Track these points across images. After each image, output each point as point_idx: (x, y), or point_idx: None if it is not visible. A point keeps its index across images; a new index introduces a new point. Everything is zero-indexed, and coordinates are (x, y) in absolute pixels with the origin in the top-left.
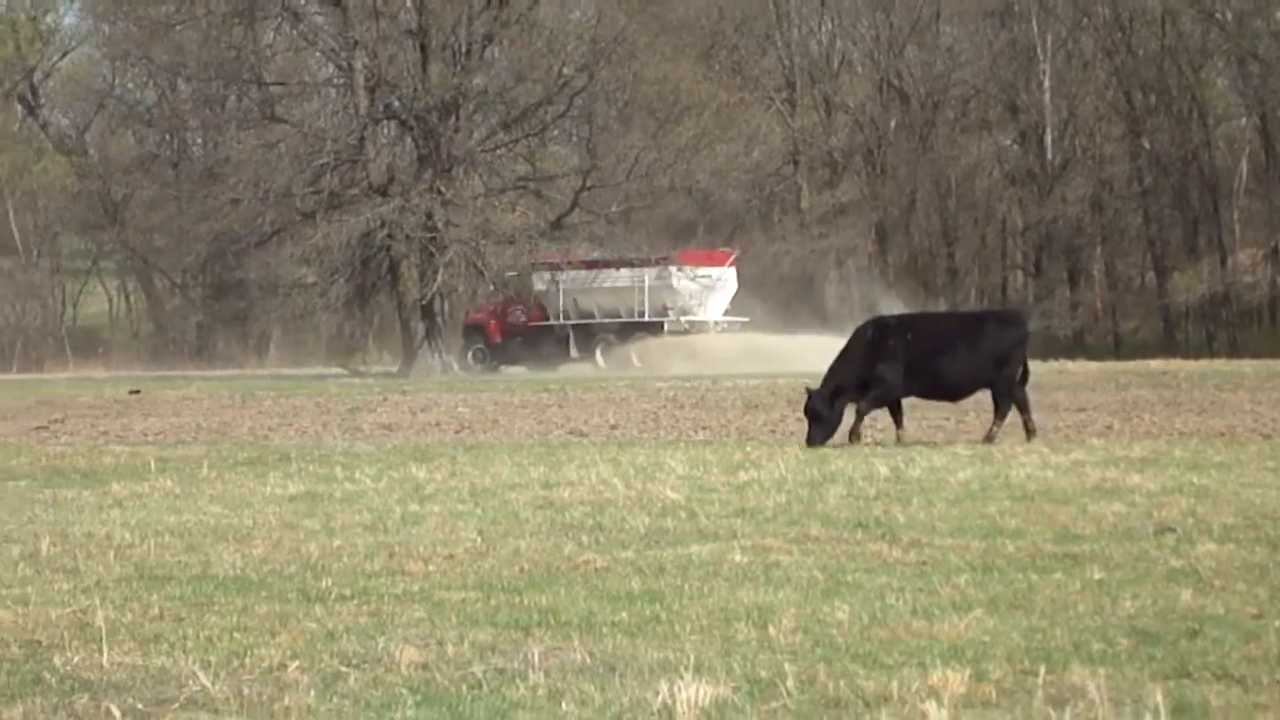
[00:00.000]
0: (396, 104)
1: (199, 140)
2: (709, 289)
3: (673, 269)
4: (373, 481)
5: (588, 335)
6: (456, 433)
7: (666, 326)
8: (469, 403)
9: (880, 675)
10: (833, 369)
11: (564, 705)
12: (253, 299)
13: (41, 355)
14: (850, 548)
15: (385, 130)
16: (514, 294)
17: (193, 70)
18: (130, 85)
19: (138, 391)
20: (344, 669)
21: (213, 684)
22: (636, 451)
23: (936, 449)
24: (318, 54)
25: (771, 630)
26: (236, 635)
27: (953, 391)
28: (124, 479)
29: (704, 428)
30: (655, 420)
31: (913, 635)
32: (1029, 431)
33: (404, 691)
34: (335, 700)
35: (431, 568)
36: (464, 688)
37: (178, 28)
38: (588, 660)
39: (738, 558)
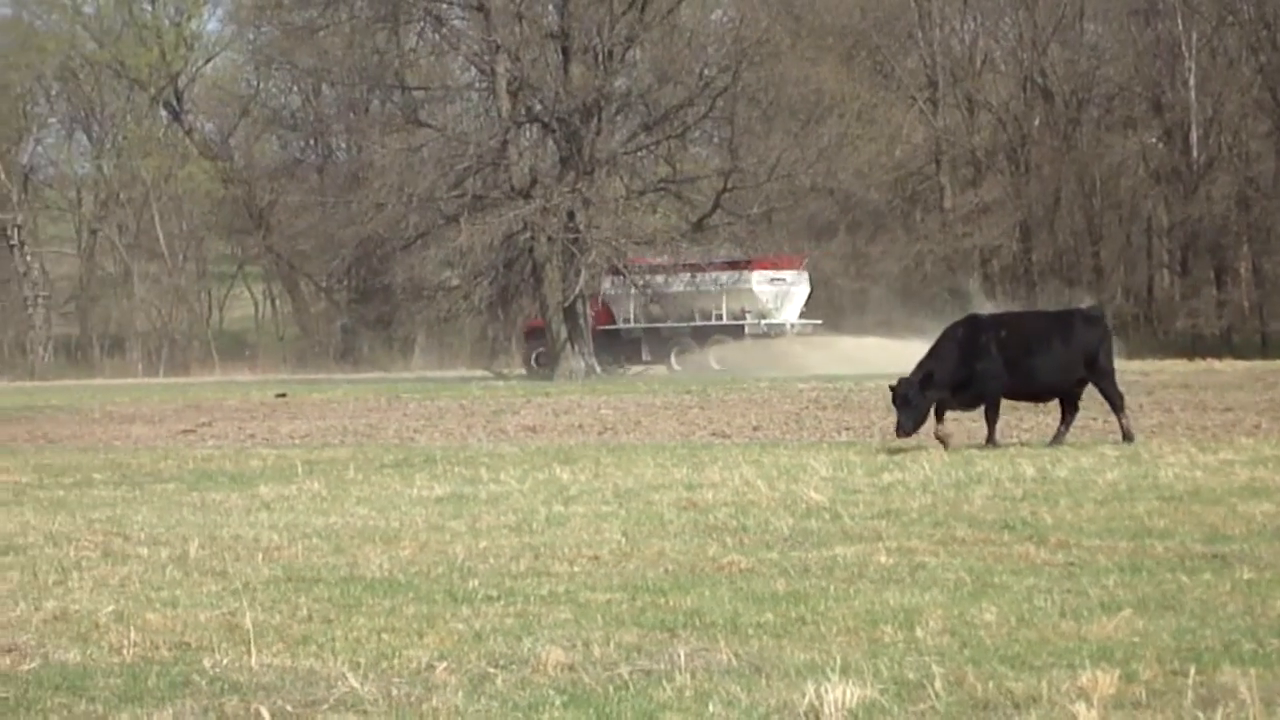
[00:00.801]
0: (538, 107)
1: (343, 145)
2: (785, 293)
3: (752, 273)
4: (517, 483)
5: (660, 339)
6: (600, 434)
7: (747, 330)
8: (612, 405)
9: (1029, 677)
10: (922, 363)
11: (711, 706)
12: (397, 302)
13: (188, 359)
14: (997, 549)
15: (527, 133)
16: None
17: (337, 75)
18: (274, 90)
19: (284, 395)
20: (491, 670)
21: (361, 685)
22: (779, 453)
23: (1084, 450)
24: (460, 58)
25: (918, 632)
26: (384, 636)
27: (1044, 391)
28: (271, 481)
29: (847, 428)
30: (798, 421)
31: (1061, 636)
32: (1058, 437)
33: (551, 692)
34: (483, 701)
35: (577, 569)
36: (611, 689)
37: (321, 33)
38: (734, 661)
39: (883, 559)
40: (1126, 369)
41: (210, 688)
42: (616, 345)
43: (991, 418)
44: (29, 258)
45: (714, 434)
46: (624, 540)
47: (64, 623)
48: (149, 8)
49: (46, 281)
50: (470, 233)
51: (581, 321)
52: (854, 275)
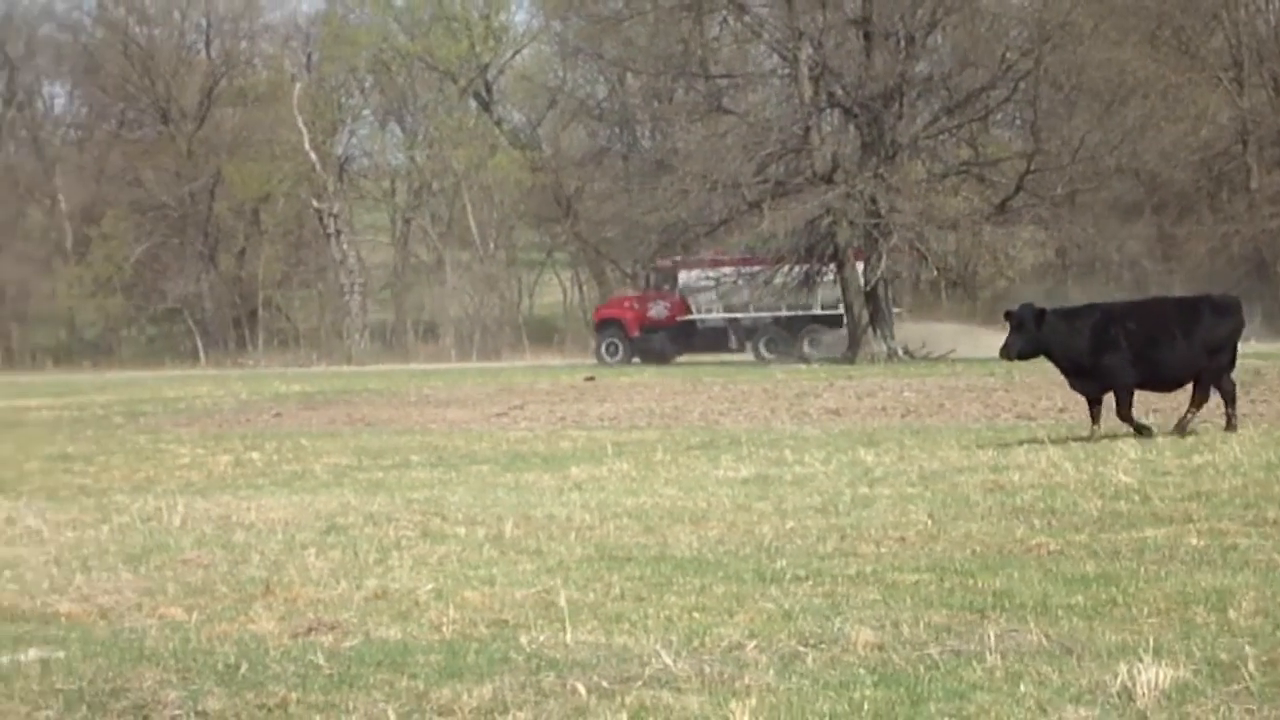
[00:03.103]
0: (840, 92)
1: (648, 133)
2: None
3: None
4: (822, 465)
5: (743, 329)
6: (903, 417)
7: (845, 319)
8: (914, 387)
9: None
10: (1054, 310)
11: (1022, 687)
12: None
13: (499, 344)
14: None
15: (829, 119)
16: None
17: (642, 64)
18: (581, 80)
19: (592, 378)
20: (801, 649)
21: (674, 662)
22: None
23: None
24: (763, 45)
25: (1231, 613)
26: (696, 615)
27: (1170, 382)
28: (582, 462)
29: (1154, 410)
30: (1105, 404)
31: None
32: (1230, 425)
33: (861, 671)
34: (794, 679)
35: (883, 550)
36: (921, 669)
37: (626, 23)
38: (1044, 642)
39: (1194, 541)
40: None
41: (527, 664)
42: (695, 336)
43: (1124, 416)
44: (345, 246)
45: (1019, 416)
46: (930, 522)
47: (385, 601)
48: (459, 1)
49: (362, 269)
50: (773, 218)
51: (884, 305)
52: (1160, 257)
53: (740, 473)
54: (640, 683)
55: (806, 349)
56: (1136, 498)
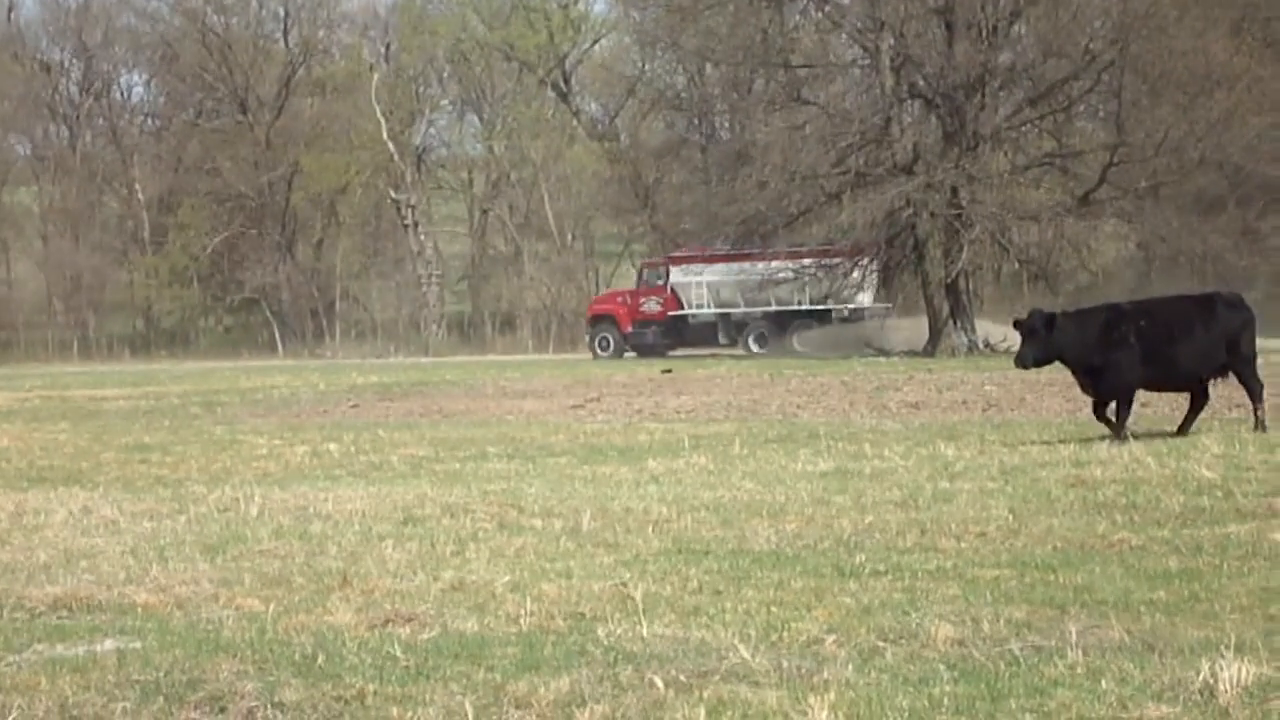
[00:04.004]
0: (922, 83)
1: (727, 124)
2: (865, 278)
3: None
4: (901, 459)
5: (733, 324)
6: (984, 411)
7: (834, 315)
8: (995, 381)
9: None
10: (1064, 313)
11: (1103, 683)
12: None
13: (576, 336)
14: None
15: (910, 109)
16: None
17: (721, 54)
18: (660, 70)
19: (669, 370)
20: (881, 644)
21: (752, 656)
22: (1168, 429)
23: None
24: (843, 35)
25: None
26: (774, 609)
27: (1188, 379)
28: (659, 455)
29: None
30: (1187, 398)
31: None
32: (1185, 425)
33: (941, 667)
34: (873, 674)
35: (963, 545)
36: (1001, 664)
37: (706, 12)
38: (1126, 639)
39: (1277, 537)
40: None
41: (605, 657)
42: (685, 330)
43: (1123, 413)
44: (423, 237)
45: None
46: (1011, 517)
47: (462, 593)
48: None
49: (440, 260)
50: (853, 210)
51: (964, 298)
52: (1244, 251)
53: (819, 466)
54: (718, 677)
55: (796, 344)
56: (1219, 493)
